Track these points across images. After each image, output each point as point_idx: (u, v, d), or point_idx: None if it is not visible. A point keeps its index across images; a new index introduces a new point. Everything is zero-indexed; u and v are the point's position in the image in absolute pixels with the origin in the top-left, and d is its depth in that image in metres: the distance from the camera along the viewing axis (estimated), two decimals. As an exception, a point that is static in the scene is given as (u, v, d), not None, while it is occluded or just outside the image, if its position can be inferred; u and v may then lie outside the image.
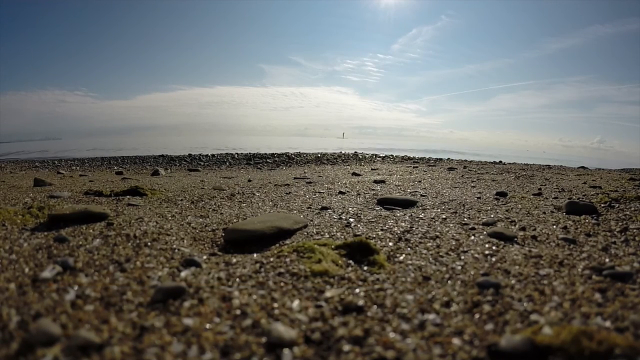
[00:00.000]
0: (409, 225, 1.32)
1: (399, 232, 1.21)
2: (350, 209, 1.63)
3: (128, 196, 2.02)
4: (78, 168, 6.73)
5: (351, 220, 1.38)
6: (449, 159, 9.62)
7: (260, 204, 1.77)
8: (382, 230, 1.23)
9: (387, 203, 1.78)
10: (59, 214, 1.36)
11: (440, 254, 1.02)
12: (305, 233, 1.17)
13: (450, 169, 5.68)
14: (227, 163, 7.38)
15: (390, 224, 1.35)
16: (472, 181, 3.60)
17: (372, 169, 5.20)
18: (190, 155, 11.84)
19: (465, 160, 9.01)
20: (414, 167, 5.86)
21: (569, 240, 1.22)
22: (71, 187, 2.65)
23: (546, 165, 7.93)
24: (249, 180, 3.01)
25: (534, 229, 1.38)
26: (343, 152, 11.72)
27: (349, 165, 6.51)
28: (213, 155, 10.49)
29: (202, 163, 7.59)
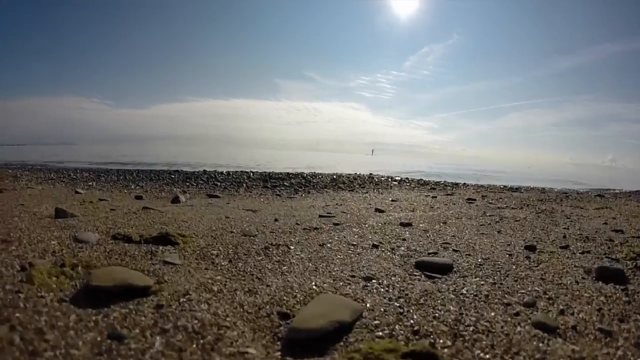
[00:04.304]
0: (457, 309, 1.35)
1: (450, 321, 1.25)
2: (393, 278, 1.67)
3: (160, 246, 2.05)
4: (94, 184, 6.85)
5: (402, 301, 1.42)
6: (464, 184, 9.60)
7: (300, 266, 1.81)
8: (434, 318, 1.27)
9: (426, 268, 1.83)
10: (100, 285, 1.37)
11: (496, 357, 1.04)
12: (364, 325, 1.21)
13: (470, 200, 5.68)
14: (244, 185, 7.45)
15: (439, 305, 1.39)
16: (496, 221, 3.61)
17: (391, 200, 5.22)
18: (205, 172, 11.98)
19: (482, 187, 8.97)
20: (432, 197, 5.87)
21: (605, 332, 1.25)
22: (94, 221, 2.69)
23: (563, 194, 7.87)
24: (275, 220, 3.07)
25: (572, 312, 1.41)
26: (358, 174, 11.76)
27: (367, 192, 6.53)
28: (229, 174, 10.59)
29: (219, 184, 7.66)
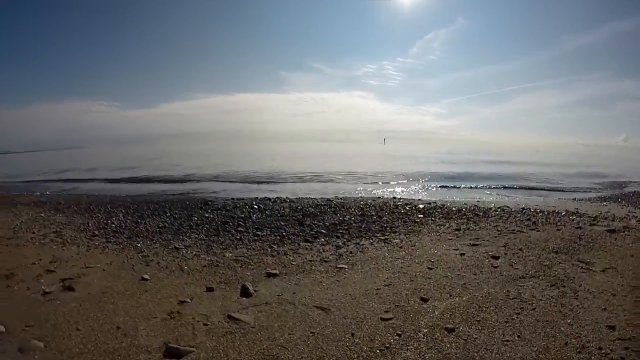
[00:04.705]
0: None
1: None
2: None
3: None
4: (142, 245, 7.66)
5: None
6: (484, 213, 10.31)
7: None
8: None
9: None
10: None
11: None
12: None
13: (494, 258, 6.60)
14: (286, 237, 8.37)
15: None
16: (517, 313, 4.56)
17: (428, 269, 6.15)
18: (234, 203, 12.91)
19: (502, 218, 9.72)
20: (460, 255, 6.78)
21: None
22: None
23: (577, 228, 8.60)
24: (352, 335, 4.09)
25: None
26: (384, 200, 12.55)
27: (402, 245, 7.38)
28: (260, 210, 11.46)
29: (260, 234, 8.53)
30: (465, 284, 5.57)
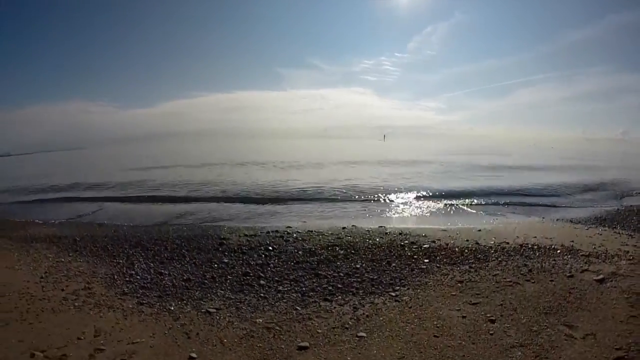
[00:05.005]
0: None
1: None
2: None
3: None
4: (172, 306, 8.16)
5: None
6: (484, 254, 11.23)
7: None
8: None
9: None
10: None
11: None
12: None
13: (490, 321, 7.58)
14: (307, 294, 9.32)
15: None
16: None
17: (434, 336, 7.17)
18: (249, 242, 13.77)
19: (500, 261, 10.66)
20: (462, 317, 7.77)
21: None
22: None
23: (569, 277, 9.56)
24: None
25: None
26: (391, 238, 13.46)
27: (410, 304, 8.33)
28: (276, 252, 12.36)
29: (281, 289, 9.56)
30: (464, 355, 6.60)
